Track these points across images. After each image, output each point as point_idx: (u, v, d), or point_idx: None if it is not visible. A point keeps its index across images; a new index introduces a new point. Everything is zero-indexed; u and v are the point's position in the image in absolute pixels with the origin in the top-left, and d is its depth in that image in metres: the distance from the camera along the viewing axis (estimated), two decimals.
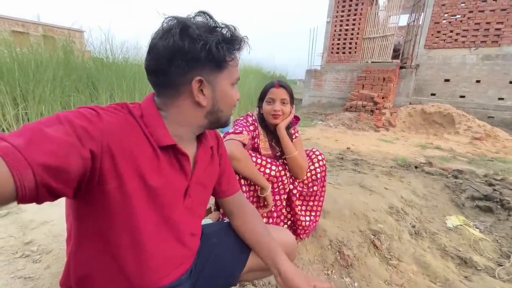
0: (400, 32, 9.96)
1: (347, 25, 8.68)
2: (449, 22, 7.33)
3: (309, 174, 1.36)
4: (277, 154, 1.31)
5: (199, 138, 0.65)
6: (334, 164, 3.04)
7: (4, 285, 0.96)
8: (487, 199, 2.09)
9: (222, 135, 0.90)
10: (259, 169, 1.16)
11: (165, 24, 0.52)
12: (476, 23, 7.00)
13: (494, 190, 2.23)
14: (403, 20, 8.89)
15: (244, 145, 1.09)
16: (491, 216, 1.95)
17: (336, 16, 8.80)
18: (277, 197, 1.26)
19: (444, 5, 7.33)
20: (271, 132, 1.28)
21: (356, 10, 8.42)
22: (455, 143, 5.06)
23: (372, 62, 8.12)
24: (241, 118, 1.25)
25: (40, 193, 0.38)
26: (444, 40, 7.46)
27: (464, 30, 7.16)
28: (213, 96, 0.58)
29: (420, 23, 7.70)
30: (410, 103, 7.34)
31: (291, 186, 1.31)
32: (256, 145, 1.25)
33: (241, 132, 1.12)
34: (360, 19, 8.39)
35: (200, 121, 0.60)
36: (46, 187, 0.38)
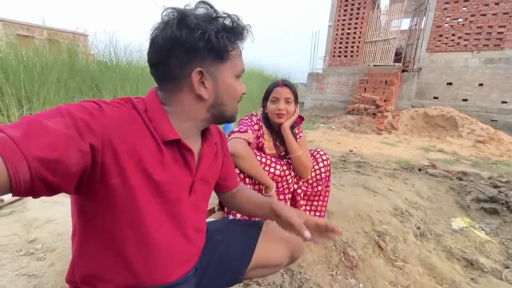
0: (402, 36, 10.01)
1: (349, 28, 8.73)
2: (451, 25, 7.33)
3: (313, 174, 1.36)
4: (282, 154, 1.31)
5: (204, 134, 0.64)
6: (337, 166, 3.03)
7: (8, 282, 0.96)
8: (492, 201, 2.07)
9: (226, 135, 0.90)
10: (263, 168, 1.16)
11: (164, 16, 0.51)
12: (478, 27, 7.00)
13: (500, 192, 2.21)
14: (405, 24, 8.94)
15: (249, 143, 1.09)
16: (496, 218, 1.93)
17: (338, 20, 8.86)
18: (281, 197, 1.26)
19: (446, 9, 7.34)
20: (276, 131, 1.29)
21: (358, 14, 8.48)
22: (458, 146, 5.03)
23: (374, 65, 8.14)
24: (246, 117, 1.25)
25: (35, 186, 0.37)
26: (446, 43, 7.46)
27: (466, 34, 7.16)
28: (216, 89, 0.56)
29: (422, 26, 7.72)
30: (412, 106, 7.33)
31: (296, 186, 1.31)
32: (260, 145, 1.25)
33: (246, 131, 1.12)
34: (362, 22, 8.44)
35: (203, 115, 0.58)
36: (42, 181, 0.37)
